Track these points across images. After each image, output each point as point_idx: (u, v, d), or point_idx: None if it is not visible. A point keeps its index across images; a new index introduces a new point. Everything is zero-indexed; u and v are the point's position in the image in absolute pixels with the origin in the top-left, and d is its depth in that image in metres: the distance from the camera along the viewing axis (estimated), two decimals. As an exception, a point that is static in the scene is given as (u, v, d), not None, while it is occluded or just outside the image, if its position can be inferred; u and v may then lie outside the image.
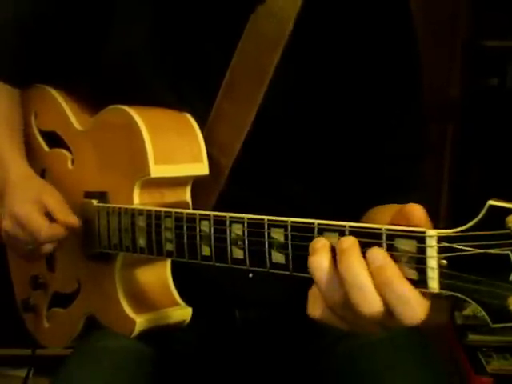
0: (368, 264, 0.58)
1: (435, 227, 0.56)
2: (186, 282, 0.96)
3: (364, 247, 0.58)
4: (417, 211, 0.59)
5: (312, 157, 0.98)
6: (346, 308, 0.59)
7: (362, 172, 0.97)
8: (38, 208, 0.97)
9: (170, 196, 0.92)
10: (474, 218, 0.52)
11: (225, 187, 0.96)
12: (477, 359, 1.92)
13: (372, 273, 0.57)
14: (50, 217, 0.97)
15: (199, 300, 0.96)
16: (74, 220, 0.96)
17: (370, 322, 0.59)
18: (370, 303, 0.57)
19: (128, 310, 0.92)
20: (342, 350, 0.93)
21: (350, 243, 0.59)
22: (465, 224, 0.52)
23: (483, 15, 2.18)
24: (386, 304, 0.57)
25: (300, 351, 1.01)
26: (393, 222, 0.59)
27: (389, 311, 0.57)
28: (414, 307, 0.56)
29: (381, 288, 0.57)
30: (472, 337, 1.99)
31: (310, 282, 0.61)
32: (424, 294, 0.56)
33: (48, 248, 1.00)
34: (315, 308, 0.61)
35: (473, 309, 2.01)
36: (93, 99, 1.04)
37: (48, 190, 1.01)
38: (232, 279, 0.94)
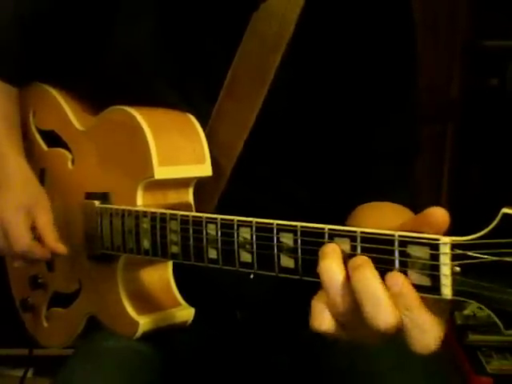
0: (387, 287, 0.56)
1: None
2: (187, 282, 0.96)
3: (376, 253, 0.57)
4: (440, 216, 0.55)
5: (314, 156, 0.98)
6: (351, 315, 0.58)
7: (356, 170, 0.97)
8: (28, 221, 0.98)
9: (173, 197, 0.91)
10: (479, 223, 0.52)
11: (227, 187, 0.96)
12: (477, 359, 1.93)
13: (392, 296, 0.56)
14: (33, 232, 0.98)
15: (200, 301, 0.96)
16: (62, 248, 0.98)
17: (379, 334, 0.57)
18: (386, 317, 0.55)
19: (131, 311, 0.92)
20: (343, 351, 0.91)
21: (363, 259, 0.57)
22: (468, 228, 0.53)
23: (483, 15, 2.18)
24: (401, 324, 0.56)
25: (301, 352, 1.01)
26: (412, 227, 0.57)
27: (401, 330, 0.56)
28: (430, 336, 0.55)
29: (400, 310, 0.56)
30: (472, 337, 2.00)
31: (310, 284, 0.61)
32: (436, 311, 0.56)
33: (17, 263, 1.01)
34: (319, 319, 0.59)
35: (472, 309, 2.01)
36: (94, 98, 1.04)
37: (42, 205, 1.01)
38: (233, 280, 0.93)
